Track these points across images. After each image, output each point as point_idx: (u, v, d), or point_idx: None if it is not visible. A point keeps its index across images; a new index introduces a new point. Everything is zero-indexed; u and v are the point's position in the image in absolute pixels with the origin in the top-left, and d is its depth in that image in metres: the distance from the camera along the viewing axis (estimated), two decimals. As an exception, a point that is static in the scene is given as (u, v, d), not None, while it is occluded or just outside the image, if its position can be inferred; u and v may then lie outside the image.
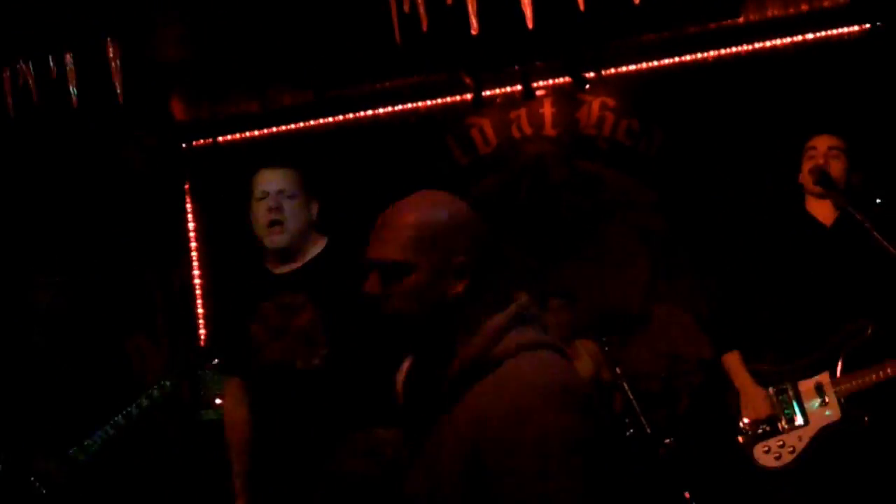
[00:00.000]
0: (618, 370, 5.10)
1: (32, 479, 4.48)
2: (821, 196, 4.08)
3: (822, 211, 4.09)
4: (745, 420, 4.09)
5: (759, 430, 4.04)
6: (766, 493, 4.06)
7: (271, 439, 3.36)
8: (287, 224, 3.36)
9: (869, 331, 3.89)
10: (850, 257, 3.99)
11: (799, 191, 4.20)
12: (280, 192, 3.38)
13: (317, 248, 3.46)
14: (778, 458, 3.98)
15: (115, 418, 4.55)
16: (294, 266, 3.43)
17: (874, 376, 3.85)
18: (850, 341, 3.94)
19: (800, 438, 3.96)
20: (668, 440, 4.98)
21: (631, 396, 5.00)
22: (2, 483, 4.19)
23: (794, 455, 3.95)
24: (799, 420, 3.99)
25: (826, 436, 3.93)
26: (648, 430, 4.93)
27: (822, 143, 4.11)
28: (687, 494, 4.72)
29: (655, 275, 6.78)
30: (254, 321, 3.36)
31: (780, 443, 3.99)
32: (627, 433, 5.10)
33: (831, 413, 3.92)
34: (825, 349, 3.98)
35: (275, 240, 3.37)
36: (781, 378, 4.07)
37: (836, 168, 4.04)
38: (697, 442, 5.07)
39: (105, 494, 4.65)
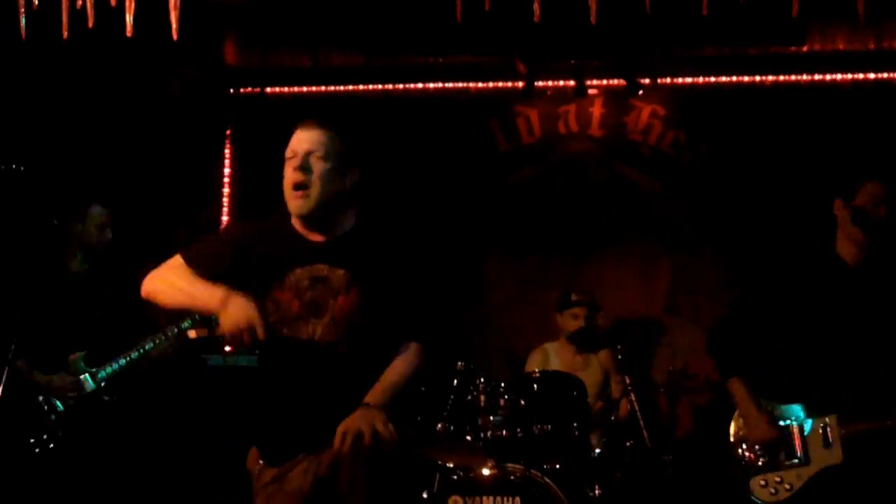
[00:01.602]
0: (627, 379, 5.08)
1: (41, 398, 4.52)
2: (855, 239, 4.02)
3: (850, 251, 4.04)
4: (746, 445, 4.04)
5: (759, 461, 3.98)
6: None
7: (282, 417, 3.19)
8: (311, 189, 3.11)
9: (883, 376, 3.84)
10: (873, 300, 3.96)
11: (832, 227, 4.17)
12: (309, 152, 3.14)
13: (350, 218, 3.26)
14: (774, 494, 3.93)
15: (130, 352, 4.59)
16: (328, 236, 3.22)
17: (882, 423, 3.79)
18: (862, 384, 3.87)
19: (798, 477, 3.91)
20: (666, 456, 4.97)
21: (637, 408, 4.98)
22: (11, 398, 4.21)
23: (791, 492, 3.90)
24: (800, 456, 3.94)
25: (825, 477, 3.87)
26: (649, 445, 4.90)
27: (870, 189, 4.03)
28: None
29: (676, 287, 6.75)
30: (282, 288, 3.17)
31: (779, 479, 3.94)
32: (627, 444, 5.07)
33: (834, 455, 3.87)
34: (836, 390, 3.91)
35: (297, 204, 3.13)
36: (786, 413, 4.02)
37: (878, 214, 3.98)
38: (695, 465, 5.05)
39: (109, 426, 4.67)
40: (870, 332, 3.93)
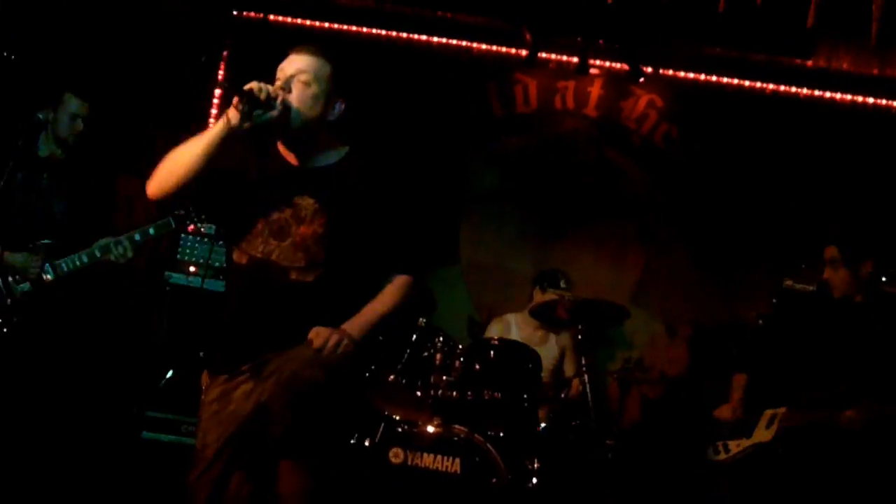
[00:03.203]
0: (583, 360, 5.10)
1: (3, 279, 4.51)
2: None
3: (835, 283, 4.73)
4: (721, 421, 4.81)
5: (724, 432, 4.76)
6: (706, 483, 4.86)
7: (229, 328, 3.22)
8: (286, 104, 3.08)
9: (842, 387, 4.46)
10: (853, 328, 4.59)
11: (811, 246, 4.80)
12: (293, 75, 3.13)
13: (333, 154, 3.28)
14: (716, 455, 4.75)
15: (92, 249, 4.56)
16: (308, 163, 3.25)
17: (811, 417, 4.45)
18: (823, 391, 4.51)
19: (738, 445, 4.67)
20: (609, 441, 5.01)
21: (588, 390, 5.01)
22: None
23: (728, 455, 4.69)
24: (747, 432, 4.66)
25: (756, 451, 4.60)
26: (594, 426, 4.94)
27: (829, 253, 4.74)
28: (612, 498, 4.77)
29: (645, 280, 6.79)
30: (254, 203, 3.20)
31: (724, 445, 4.74)
32: (573, 423, 5.11)
33: (767, 434, 4.56)
34: (805, 394, 4.56)
35: (267, 114, 3.05)
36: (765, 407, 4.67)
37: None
38: (636, 454, 5.15)
39: (60, 323, 4.65)
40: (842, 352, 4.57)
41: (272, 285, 3.14)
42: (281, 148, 3.27)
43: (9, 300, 4.50)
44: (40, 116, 4.84)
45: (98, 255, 4.53)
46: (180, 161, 3.11)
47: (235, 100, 2.99)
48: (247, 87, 2.98)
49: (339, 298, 3.17)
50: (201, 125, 6.77)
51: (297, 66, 3.15)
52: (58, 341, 4.68)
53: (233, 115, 3.02)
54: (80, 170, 4.87)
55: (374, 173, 3.27)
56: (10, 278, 4.53)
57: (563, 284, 5.86)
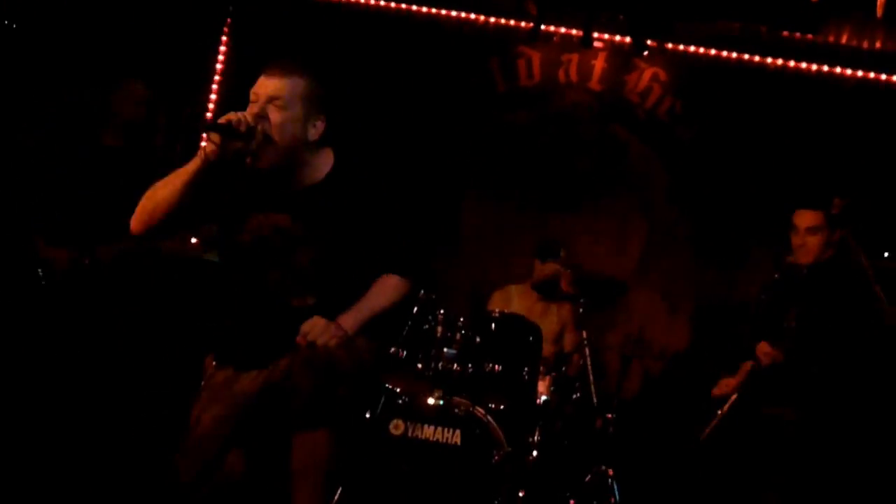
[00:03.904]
0: (584, 334, 5.10)
1: (38, 268, 4.53)
2: None
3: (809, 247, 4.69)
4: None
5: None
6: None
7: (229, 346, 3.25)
8: (266, 134, 2.99)
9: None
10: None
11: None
12: (271, 98, 3.02)
13: (320, 167, 3.18)
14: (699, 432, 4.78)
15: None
16: (295, 185, 3.15)
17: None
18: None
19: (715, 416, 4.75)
20: (609, 415, 5.02)
21: (588, 363, 5.02)
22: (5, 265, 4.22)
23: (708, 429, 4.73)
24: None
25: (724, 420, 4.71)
26: (595, 400, 4.95)
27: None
28: (611, 472, 4.77)
29: (647, 254, 6.78)
30: (244, 231, 3.16)
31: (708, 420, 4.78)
32: (573, 397, 5.12)
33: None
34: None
35: (247, 146, 2.97)
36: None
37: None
38: (637, 428, 5.16)
39: (95, 305, 4.66)
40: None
41: (273, 311, 3.15)
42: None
43: (41, 284, 4.53)
44: (103, 103, 4.87)
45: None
46: (159, 199, 3.05)
47: (212, 134, 2.91)
48: (224, 119, 2.90)
49: (342, 310, 3.16)
50: (200, 105, 6.78)
51: (269, 90, 3.04)
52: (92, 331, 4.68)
53: (210, 149, 2.93)
54: (139, 158, 4.86)
55: (364, 181, 3.21)
56: (40, 270, 4.55)
57: (562, 254, 5.85)
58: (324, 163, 3.20)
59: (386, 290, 3.23)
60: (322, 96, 3.14)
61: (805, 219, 4.69)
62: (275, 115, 3.01)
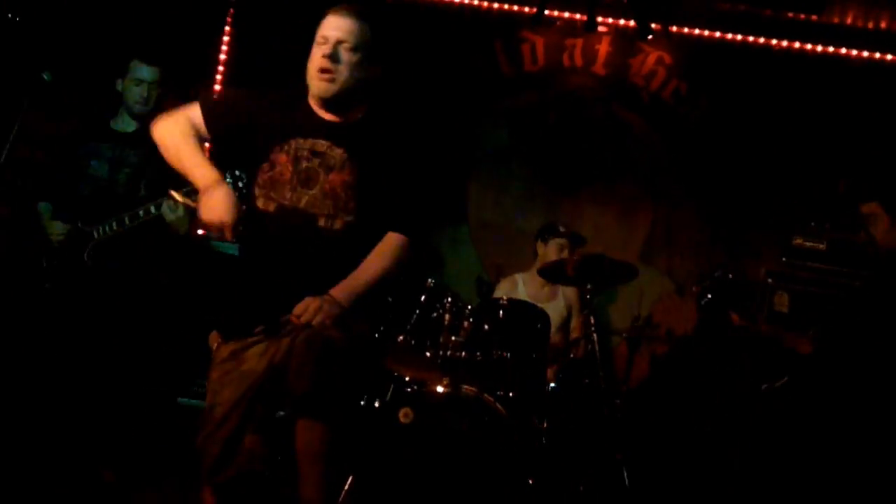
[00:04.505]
0: (591, 320, 5.11)
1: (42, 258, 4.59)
2: None
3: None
4: None
5: None
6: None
7: (249, 284, 3.29)
8: (338, 76, 3.19)
9: None
10: None
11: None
12: (340, 41, 3.20)
13: (360, 110, 3.34)
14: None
15: (121, 216, 4.57)
16: (338, 118, 3.30)
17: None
18: None
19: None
20: (617, 400, 5.03)
21: (596, 348, 5.02)
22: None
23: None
24: None
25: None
26: (603, 385, 4.96)
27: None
28: (619, 457, 4.78)
29: (654, 237, 6.78)
30: (281, 151, 3.25)
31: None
32: (581, 382, 5.13)
33: None
34: None
35: (322, 87, 3.20)
36: None
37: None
38: (646, 412, 5.15)
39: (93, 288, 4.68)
40: None
41: (300, 232, 3.19)
42: (312, 103, 3.31)
43: (44, 264, 4.54)
44: (118, 88, 4.86)
45: (130, 219, 4.53)
46: (170, 153, 3.28)
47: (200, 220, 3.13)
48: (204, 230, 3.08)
49: (363, 250, 3.20)
50: (206, 88, 6.77)
51: (341, 32, 3.21)
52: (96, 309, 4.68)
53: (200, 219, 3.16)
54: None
55: (397, 129, 3.34)
56: (44, 261, 4.59)
57: (562, 229, 5.86)
58: (362, 107, 3.34)
59: (383, 255, 3.23)
60: (381, 45, 3.34)
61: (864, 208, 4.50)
62: (346, 56, 3.20)
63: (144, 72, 4.85)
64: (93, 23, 5.99)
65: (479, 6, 6.95)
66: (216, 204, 3.08)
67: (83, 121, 4.95)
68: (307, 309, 3.05)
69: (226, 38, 6.98)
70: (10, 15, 5.16)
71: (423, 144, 3.39)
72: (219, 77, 6.91)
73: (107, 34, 5.97)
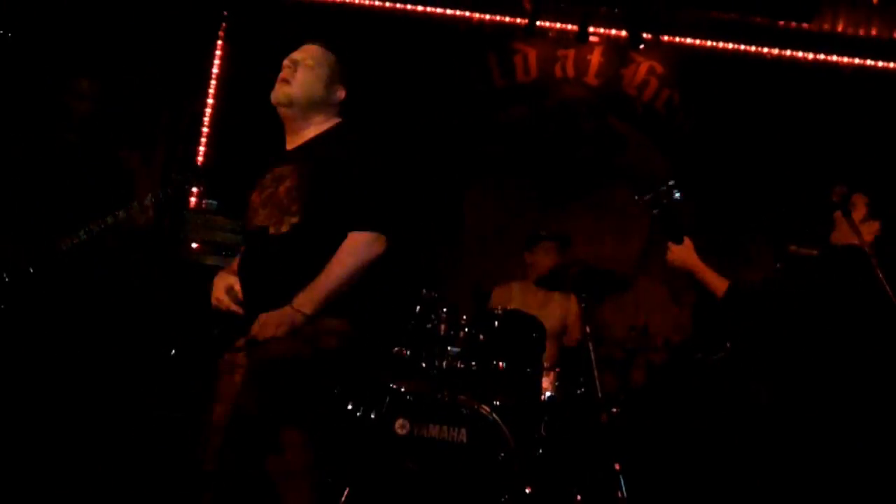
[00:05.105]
0: (587, 329, 5.10)
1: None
2: None
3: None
4: None
5: None
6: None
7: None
8: (294, 81, 3.37)
9: None
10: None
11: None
12: (301, 59, 3.41)
13: (324, 127, 3.44)
14: None
15: (80, 231, 4.53)
16: (299, 142, 3.43)
17: None
18: None
19: None
20: (614, 409, 5.01)
21: (592, 357, 5.01)
22: None
23: None
24: None
25: None
26: (599, 394, 4.94)
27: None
28: (617, 466, 4.77)
29: (650, 246, 6.78)
30: (255, 188, 3.40)
31: None
32: (578, 391, 5.12)
33: None
34: None
35: (277, 92, 3.38)
36: None
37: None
38: (642, 420, 5.14)
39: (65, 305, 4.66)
40: None
41: (257, 244, 3.31)
42: (287, 136, 3.48)
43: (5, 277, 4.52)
44: (65, 101, 4.89)
45: (83, 235, 4.50)
46: None
47: None
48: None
49: (314, 248, 3.21)
50: (200, 103, 6.78)
51: (305, 53, 3.43)
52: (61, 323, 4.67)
53: None
54: (93, 150, 4.91)
55: (351, 137, 3.41)
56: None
57: (543, 233, 5.86)
58: (328, 125, 3.46)
59: (345, 255, 3.19)
60: (345, 72, 3.50)
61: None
62: (303, 68, 3.39)
63: (83, 85, 4.93)
64: (81, 39, 6.00)
65: (471, 18, 6.96)
66: (216, 289, 3.39)
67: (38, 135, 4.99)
68: (264, 325, 3.09)
69: (218, 53, 6.99)
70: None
71: (381, 144, 3.41)
72: (211, 91, 6.91)
73: (95, 50, 5.96)
